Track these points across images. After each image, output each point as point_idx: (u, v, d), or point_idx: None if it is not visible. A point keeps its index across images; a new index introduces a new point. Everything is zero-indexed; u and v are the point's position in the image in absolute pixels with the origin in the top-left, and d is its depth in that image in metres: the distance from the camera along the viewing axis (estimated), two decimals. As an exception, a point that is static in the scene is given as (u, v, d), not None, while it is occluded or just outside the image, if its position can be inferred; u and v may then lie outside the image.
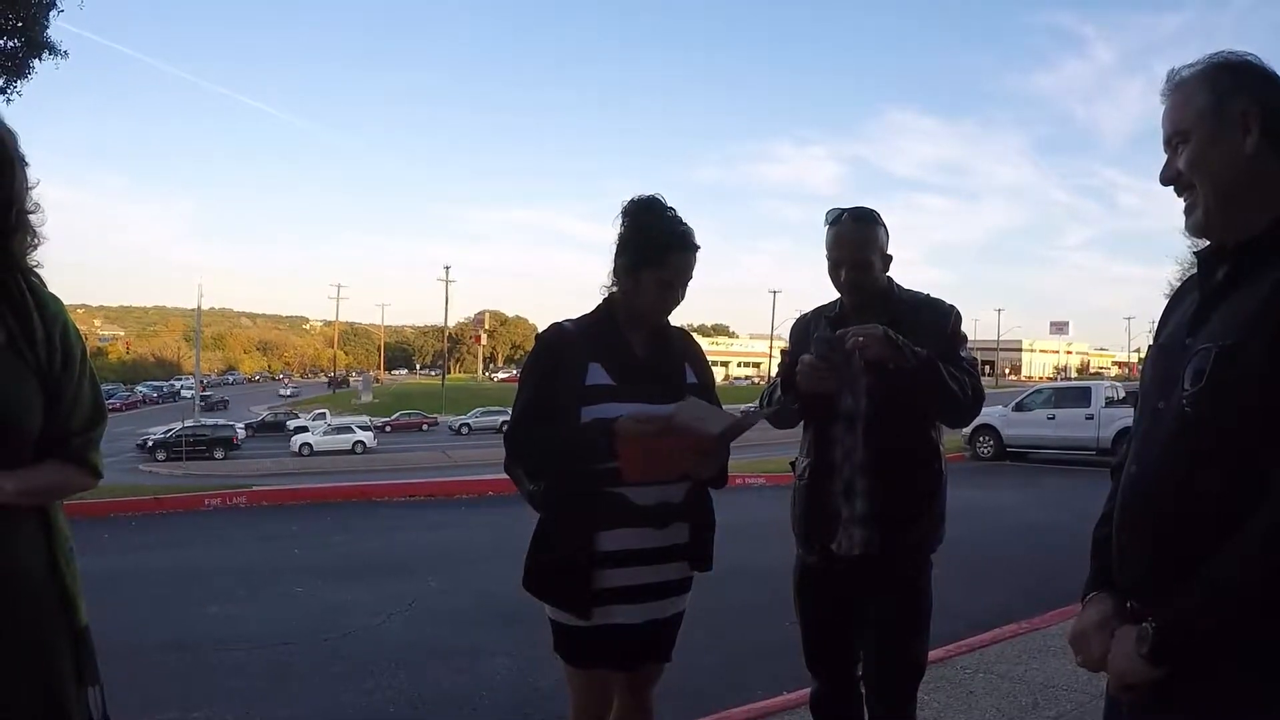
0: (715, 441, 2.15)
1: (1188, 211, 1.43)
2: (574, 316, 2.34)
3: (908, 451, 2.49)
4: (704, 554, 2.33)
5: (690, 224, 2.28)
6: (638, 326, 2.31)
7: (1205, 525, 1.28)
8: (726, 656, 5.03)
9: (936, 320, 2.54)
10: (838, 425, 2.49)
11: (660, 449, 2.10)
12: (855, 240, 2.50)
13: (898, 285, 2.60)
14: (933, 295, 2.63)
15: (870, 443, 2.45)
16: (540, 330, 2.34)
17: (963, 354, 2.52)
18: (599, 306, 2.34)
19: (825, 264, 2.56)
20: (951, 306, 2.60)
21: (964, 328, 2.60)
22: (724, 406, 2.33)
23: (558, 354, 2.23)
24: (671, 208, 2.28)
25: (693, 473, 2.22)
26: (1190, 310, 1.43)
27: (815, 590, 2.61)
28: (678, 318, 2.42)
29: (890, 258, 2.56)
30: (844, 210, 2.52)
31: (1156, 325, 1.59)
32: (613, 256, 2.29)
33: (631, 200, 2.28)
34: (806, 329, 2.66)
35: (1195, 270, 1.49)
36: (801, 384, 2.39)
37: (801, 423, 2.62)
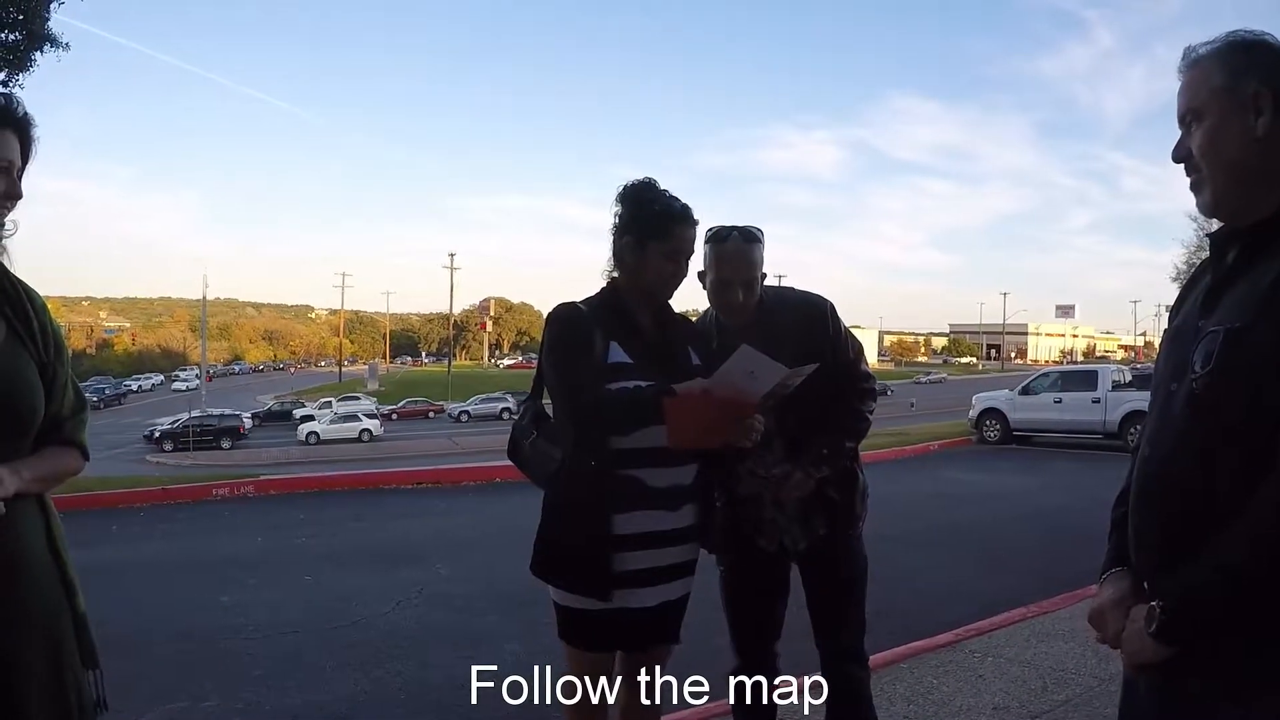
0: (756, 408, 2.12)
1: (1195, 189, 1.42)
2: (579, 299, 2.34)
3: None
4: (710, 533, 2.35)
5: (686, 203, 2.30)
6: (644, 306, 2.33)
7: (1216, 507, 1.27)
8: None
9: (813, 323, 2.51)
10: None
11: (708, 413, 2.07)
12: (745, 260, 2.44)
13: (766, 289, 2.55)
14: (799, 289, 2.61)
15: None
16: (552, 310, 2.32)
17: (862, 366, 2.59)
18: (603, 290, 2.34)
19: (712, 276, 2.47)
20: (825, 303, 2.55)
21: (849, 323, 2.59)
22: None
23: (585, 327, 2.23)
24: (666, 188, 2.30)
25: (734, 441, 2.17)
26: (1202, 293, 1.42)
27: None
28: (678, 303, 2.42)
29: (765, 275, 2.50)
30: (734, 228, 2.45)
31: (1171, 309, 1.58)
32: (612, 239, 2.30)
33: (628, 184, 2.30)
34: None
35: (1207, 254, 1.48)
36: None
37: None
